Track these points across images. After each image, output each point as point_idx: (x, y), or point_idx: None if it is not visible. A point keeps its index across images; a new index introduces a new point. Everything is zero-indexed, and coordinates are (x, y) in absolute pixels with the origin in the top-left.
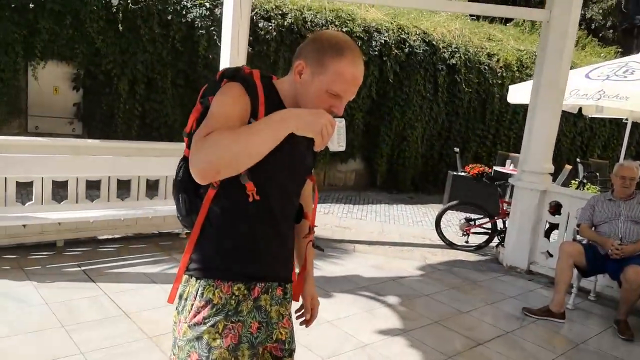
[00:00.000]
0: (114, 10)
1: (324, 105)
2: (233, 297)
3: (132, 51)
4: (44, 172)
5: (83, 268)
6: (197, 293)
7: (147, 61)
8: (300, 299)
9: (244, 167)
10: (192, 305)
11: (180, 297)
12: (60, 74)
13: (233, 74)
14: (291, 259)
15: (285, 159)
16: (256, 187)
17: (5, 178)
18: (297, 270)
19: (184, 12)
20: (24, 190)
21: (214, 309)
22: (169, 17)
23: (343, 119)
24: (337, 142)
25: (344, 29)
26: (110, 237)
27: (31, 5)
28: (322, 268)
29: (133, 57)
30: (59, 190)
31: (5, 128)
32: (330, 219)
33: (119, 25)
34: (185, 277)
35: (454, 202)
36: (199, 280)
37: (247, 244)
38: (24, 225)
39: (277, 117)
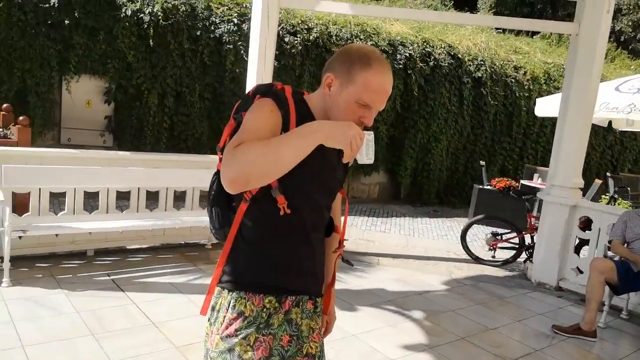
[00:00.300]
0: (145, 26)
1: (354, 116)
2: (264, 310)
3: (162, 66)
4: (76, 183)
5: (112, 277)
6: (229, 305)
7: (176, 75)
8: None
9: (273, 177)
10: (224, 317)
11: (213, 308)
12: (93, 87)
13: (266, 91)
14: (322, 272)
15: (316, 172)
16: (287, 200)
17: (40, 189)
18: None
19: (212, 28)
20: (56, 200)
21: (246, 322)
22: (198, 33)
23: (372, 132)
24: (366, 154)
25: (369, 43)
26: (138, 247)
27: (66, 22)
28: (347, 281)
29: (163, 72)
30: (90, 200)
31: (39, 140)
32: (354, 231)
33: (150, 41)
34: (217, 289)
35: (480, 216)
36: (231, 293)
37: (278, 257)
38: (57, 235)
39: (307, 129)
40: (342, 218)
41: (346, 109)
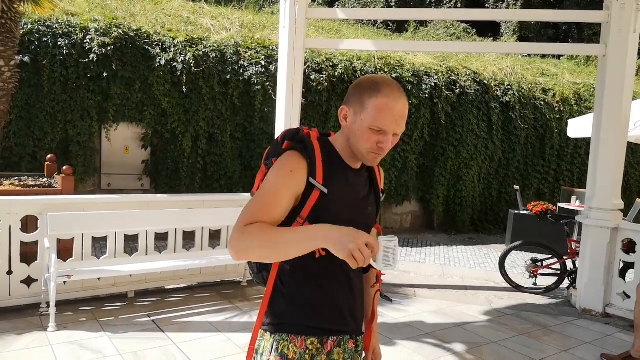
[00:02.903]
0: (179, 73)
1: (371, 143)
2: (307, 352)
3: (195, 110)
4: (116, 227)
5: (152, 318)
6: (272, 348)
7: (208, 118)
8: None
9: (273, 261)
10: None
11: (256, 351)
12: (131, 134)
13: (293, 136)
14: (361, 311)
15: (345, 210)
16: None
17: (82, 234)
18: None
19: (241, 71)
20: (98, 244)
21: None
22: (228, 77)
23: (395, 238)
24: (384, 261)
25: (394, 75)
26: (176, 286)
27: (105, 74)
28: (384, 314)
29: (195, 115)
30: (130, 242)
31: (81, 186)
32: None
33: (183, 87)
34: (260, 331)
35: (518, 242)
36: (273, 335)
37: (317, 298)
38: (99, 278)
39: (310, 232)
40: None
41: (362, 137)
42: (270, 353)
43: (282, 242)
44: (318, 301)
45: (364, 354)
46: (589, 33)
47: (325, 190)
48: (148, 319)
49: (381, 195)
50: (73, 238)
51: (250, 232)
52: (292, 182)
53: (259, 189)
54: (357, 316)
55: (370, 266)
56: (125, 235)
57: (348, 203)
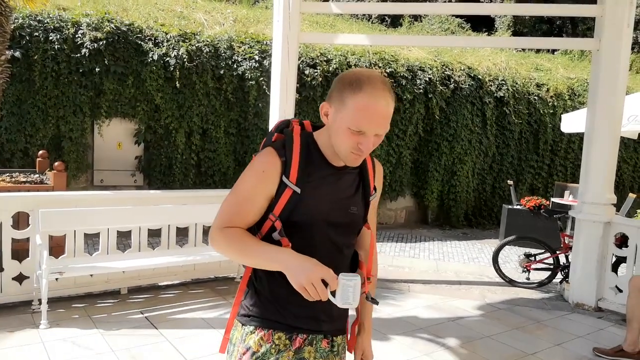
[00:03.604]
0: (172, 69)
1: (350, 143)
2: (273, 347)
3: (188, 105)
4: (109, 224)
5: (146, 315)
6: (241, 339)
7: (202, 113)
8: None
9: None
10: (237, 350)
11: (230, 341)
12: (123, 130)
13: (281, 129)
14: (341, 310)
15: (325, 209)
16: (294, 241)
17: (75, 231)
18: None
19: (235, 66)
20: (90, 240)
21: (254, 357)
22: (222, 72)
23: (358, 277)
24: (342, 298)
25: (388, 70)
26: (170, 283)
27: (97, 69)
28: (378, 310)
29: (189, 111)
30: (123, 239)
31: (73, 182)
32: (382, 258)
33: (176, 82)
34: (235, 321)
35: (512, 237)
36: (243, 327)
37: (288, 296)
38: (92, 275)
39: (272, 255)
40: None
41: (341, 136)
42: (240, 344)
43: (251, 256)
44: (288, 298)
45: (347, 355)
46: (583, 28)
47: (298, 190)
48: (141, 315)
49: (372, 193)
50: (65, 235)
51: (226, 237)
52: (263, 184)
53: (234, 187)
54: (336, 316)
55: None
56: (118, 231)
57: (326, 202)
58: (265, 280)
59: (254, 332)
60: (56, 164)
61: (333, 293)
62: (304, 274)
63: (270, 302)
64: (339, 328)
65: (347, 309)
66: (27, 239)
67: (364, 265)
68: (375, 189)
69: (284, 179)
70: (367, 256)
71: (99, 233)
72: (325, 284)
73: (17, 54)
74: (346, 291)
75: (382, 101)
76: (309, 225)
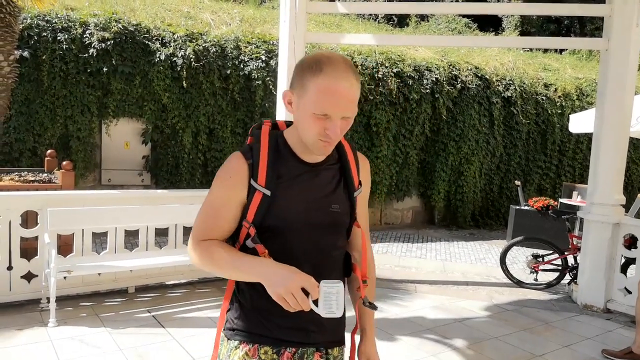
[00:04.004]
0: (179, 68)
1: (317, 130)
2: None
3: (195, 105)
4: (117, 223)
5: (153, 313)
6: (227, 354)
7: (209, 113)
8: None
9: None
10: None
11: (218, 357)
12: (131, 129)
13: (252, 131)
14: (334, 320)
15: (301, 209)
16: (271, 247)
17: (83, 230)
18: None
19: (241, 66)
20: (98, 239)
21: None
22: (228, 72)
23: (340, 283)
24: (324, 307)
25: (394, 70)
26: (177, 282)
27: (104, 69)
28: (385, 310)
29: (196, 111)
30: (130, 238)
31: (81, 182)
32: (389, 258)
33: (183, 82)
34: (221, 335)
35: (519, 238)
36: (229, 341)
37: (272, 308)
38: (99, 274)
39: (249, 266)
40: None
41: (306, 124)
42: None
43: (228, 269)
44: (271, 310)
45: None
46: (591, 28)
47: (268, 192)
48: (148, 314)
49: (358, 188)
50: (73, 233)
51: (202, 251)
52: (232, 191)
53: (205, 198)
54: (328, 326)
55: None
56: (125, 230)
57: (302, 203)
58: (247, 292)
59: (239, 347)
60: (64, 163)
61: (316, 302)
62: (282, 283)
63: (254, 315)
64: (333, 339)
65: (344, 317)
66: (36, 238)
67: (358, 268)
68: (360, 184)
69: (252, 182)
70: (360, 257)
71: (106, 232)
72: (307, 292)
73: (26, 53)
74: (329, 299)
75: (344, 82)
76: (286, 229)
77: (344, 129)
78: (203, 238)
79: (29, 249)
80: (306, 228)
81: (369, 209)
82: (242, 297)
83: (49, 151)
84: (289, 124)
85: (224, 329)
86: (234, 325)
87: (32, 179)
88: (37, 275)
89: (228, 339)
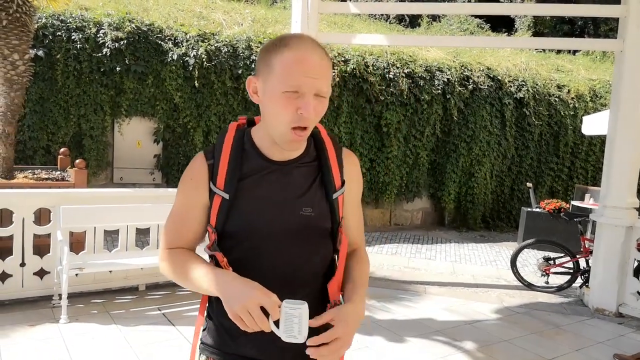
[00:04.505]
0: (191, 68)
1: (288, 113)
2: None
3: (207, 104)
4: (128, 221)
5: (163, 311)
6: None
7: (220, 113)
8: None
9: None
10: None
11: None
12: (143, 128)
13: (222, 129)
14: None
15: (267, 214)
16: (238, 254)
17: (95, 227)
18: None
19: (253, 66)
20: (110, 237)
21: None
22: (240, 71)
23: (305, 303)
24: (285, 330)
25: (406, 70)
26: None
27: (117, 69)
28: (394, 311)
29: (207, 110)
30: (141, 236)
31: (93, 180)
32: (398, 259)
33: (195, 82)
34: (196, 348)
35: (531, 241)
36: (200, 356)
37: (231, 322)
38: (110, 271)
39: (208, 279)
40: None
41: (277, 106)
42: None
43: (191, 282)
44: (233, 325)
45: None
46: (605, 29)
47: (226, 196)
48: (159, 312)
49: (339, 188)
50: (85, 231)
51: (168, 261)
52: (193, 195)
53: (174, 203)
54: (291, 346)
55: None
56: (137, 228)
57: (266, 206)
58: (215, 305)
59: None
60: (77, 161)
61: (277, 323)
62: (239, 299)
63: (223, 331)
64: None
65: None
66: (49, 235)
67: (333, 285)
68: (343, 183)
69: (211, 185)
70: (352, 269)
71: (118, 230)
72: (267, 312)
73: (40, 53)
74: (290, 322)
75: (313, 54)
76: (249, 236)
77: (318, 111)
78: (170, 246)
79: (41, 246)
80: (273, 235)
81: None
82: (211, 310)
83: (62, 149)
84: (250, 120)
85: (200, 342)
86: (204, 340)
87: (46, 176)
88: (49, 272)
89: (200, 353)
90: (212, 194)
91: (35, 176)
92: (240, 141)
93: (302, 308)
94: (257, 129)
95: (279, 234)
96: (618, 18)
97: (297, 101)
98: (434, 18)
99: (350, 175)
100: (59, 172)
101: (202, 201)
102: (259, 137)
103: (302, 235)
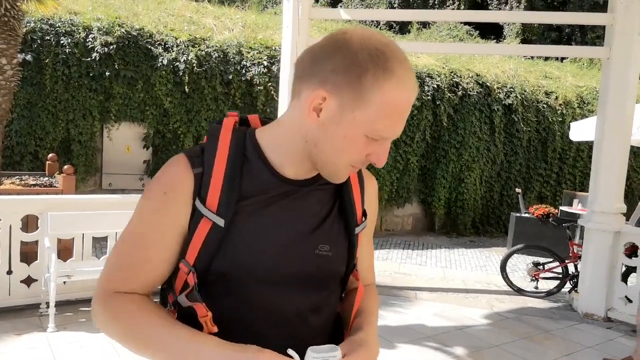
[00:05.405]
0: (181, 73)
1: (358, 155)
2: None
3: (197, 110)
4: (117, 227)
5: None
6: None
7: (210, 118)
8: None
9: None
10: None
11: None
12: (132, 134)
13: (211, 126)
14: None
15: (270, 253)
16: (226, 305)
17: (83, 234)
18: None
19: (243, 71)
20: (98, 244)
21: None
22: (230, 77)
23: (337, 349)
24: None
25: None
26: None
27: (107, 73)
28: (385, 317)
29: (197, 115)
30: None
31: (82, 186)
32: (389, 265)
33: (185, 87)
34: None
35: (520, 246)
36: None
37: None
38: None
39: (179, 349)
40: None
41: (348, 145)
42: None
43: (150, 349)
44: None
45: None
46: (592, 36)
47: (221, 222)
48: None
49: (361, 221)
50: (73, 238)
51: (112, 314)
52: (165, 215)
53: (128, 223)
54: None
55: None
56: None
57: (273, 241)
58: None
59: None
60: (65, 167)
61: None
62: None
63: None
64: None
65: None
66: (36, 242)
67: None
68: (365, 215)
69: (198, 203)
70: (348, 323)
71: (106, 237)
72: None
73: (29, 57)
74: None
75: (414, 90)
76: (245, 281)
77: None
78: (118, 289)
79: (29, 253)
80: (276, 280)
81: None
82: None
83: (50, 155)
84: (265, 121)
85: None
86: None
87: (33, 183)
88: (36, 280)
89: None
90: (196, 216)
91: (22, 182)
92: (240, 146)
93: (336, 356)
94: (266, 133)
95: (287, 279)
96: (605, 26)
97: (373, 146)
98: (424, 24)
99: (371, 204)
100: (46, 178)
101: (178, 225)
102: (269, 144)
103: (312, 283)
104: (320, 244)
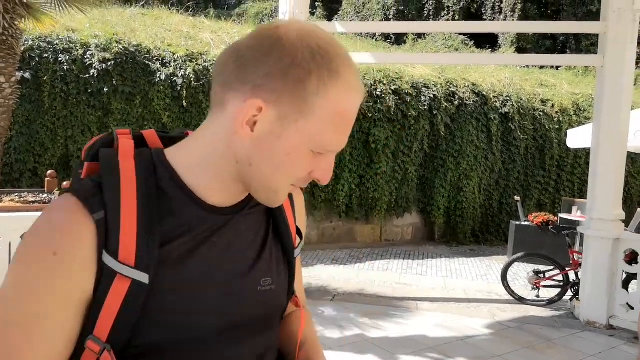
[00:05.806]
0: (179, 88)
1: (300, 173)
2: None
3: (195, 123)
4: None
5: None
6: None
7: None
8: None
9: None
10: None
11: None
12: None
13: (95, 153)
14: None
15: (210, 305)
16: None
17: None
18: None
19: None
20: None
21: None
22: None
23: None
24: None
25: (392, 87)
26: None
27: (105, 90)
28: (386, 328)
29: (196, 129)
30: None
31: None
32: (389, 275)
33: (183, 102)
34: None
35: (520, 254)
36: None
37: None
38: None
39: None
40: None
41: (290, 164)
42: None
43: None
44: None
45: None
46: (587, 44)
47: (143, 277)
48: None
49: (298, 244)
50: None
51: None
52: (61, 283)
53: (6, 298)
54: None
55: None
56: None
57: (211, 288)
58: None
59: None
60: (65, 183)
61: None
62: None
63: None
64: None
65: None
66: None
67: None
68: (299, 233)
69: (107, 258)
70: (291, 357)
71: None
72: None
73: (27, 75)
74: None
75: (361, 93)
76: (180, 346)
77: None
78: None
79: None
80: (223, 333)
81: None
82: None
83: (49, 172)
84: (169, 137)
85: None
86: None
87: (33, 199)
88: None
89: None
90: (105, 276)
91: (22, 199)
92: (150, 176)
93: None
94: (180, 153)
95: (230, 330)
96: (598, 34)
97: (319, 161)
98: (419, 35)
99: (302, 218)
100: (46, 195)
101: (78, 293)
102: (186, 168)
103: (260, 324)
104: (262, 279)
